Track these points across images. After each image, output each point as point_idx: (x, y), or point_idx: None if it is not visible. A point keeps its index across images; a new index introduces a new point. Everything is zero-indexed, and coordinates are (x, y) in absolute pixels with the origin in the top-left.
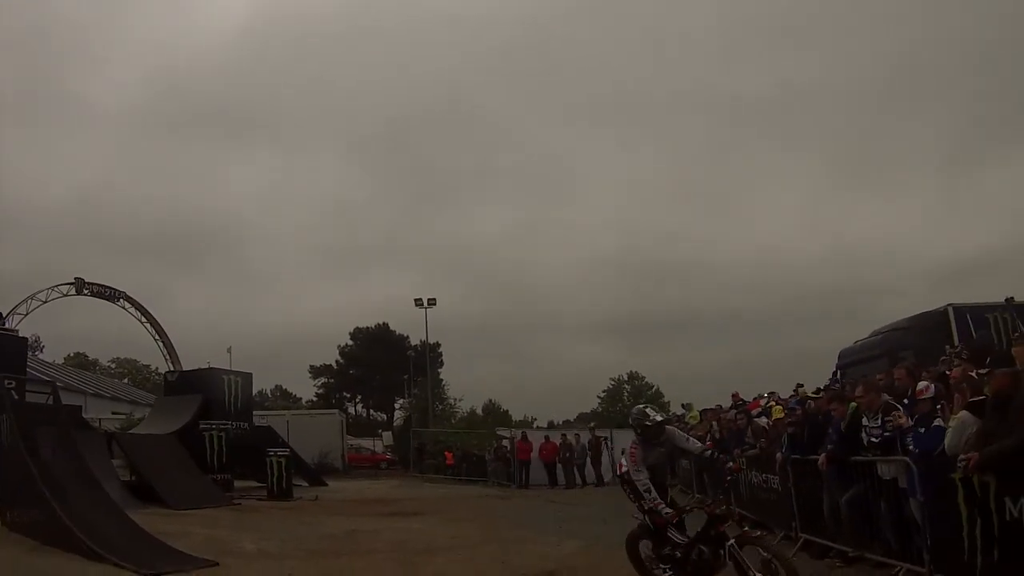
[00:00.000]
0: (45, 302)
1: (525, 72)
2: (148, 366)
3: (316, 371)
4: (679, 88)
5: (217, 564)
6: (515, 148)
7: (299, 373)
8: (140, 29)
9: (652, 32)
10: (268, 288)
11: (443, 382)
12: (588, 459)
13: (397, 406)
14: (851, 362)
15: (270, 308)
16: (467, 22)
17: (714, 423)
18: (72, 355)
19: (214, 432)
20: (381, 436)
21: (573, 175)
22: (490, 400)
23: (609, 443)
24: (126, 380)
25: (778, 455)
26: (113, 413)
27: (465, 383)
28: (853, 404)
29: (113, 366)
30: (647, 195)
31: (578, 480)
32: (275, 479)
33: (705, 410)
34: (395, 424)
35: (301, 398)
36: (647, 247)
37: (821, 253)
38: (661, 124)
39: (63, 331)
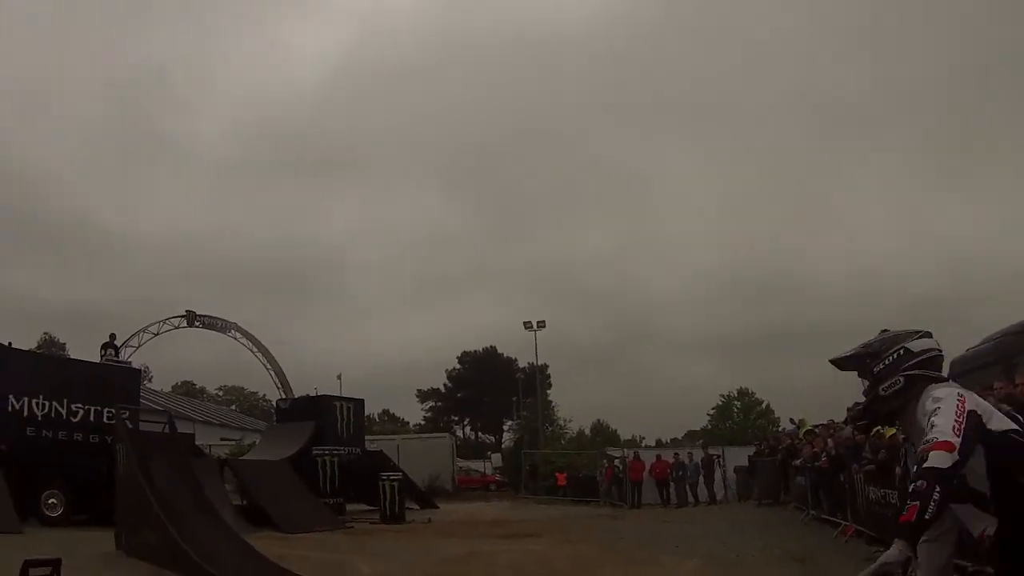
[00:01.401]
0: (157, 334)
1: (607, 89)
2: (255, 393)
3: (424, 395)
4: (764, 95)
5: None
6: (606, 168)
7: (407, 398)
8: (232, 78)
9: (732, 40)
10: (374, 317)
11: (552, 403)
12: (701, 477)
13: (505, 428)
14: (964, 371)
15: (377, 337)
16: (545, 44)
17: (829, 440)
18: (179, 383)
19: (327, 457)
20: (490, 458)
21: (666, 190)
22: (598, 420)
23: (721, 461)
24: (233, 407)
25: (897, 469)
26: (222, 440)
27: (572, 404)
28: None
29: (220, 394)
30: (741, 208)
31: (691, 498)
32: (388, 502)
33: (817, 426)
34: (504, 446)
35: (409, 422)
36: (745, 260)
37: (924, 260)
38: (749, 133)
39: (170, 360)
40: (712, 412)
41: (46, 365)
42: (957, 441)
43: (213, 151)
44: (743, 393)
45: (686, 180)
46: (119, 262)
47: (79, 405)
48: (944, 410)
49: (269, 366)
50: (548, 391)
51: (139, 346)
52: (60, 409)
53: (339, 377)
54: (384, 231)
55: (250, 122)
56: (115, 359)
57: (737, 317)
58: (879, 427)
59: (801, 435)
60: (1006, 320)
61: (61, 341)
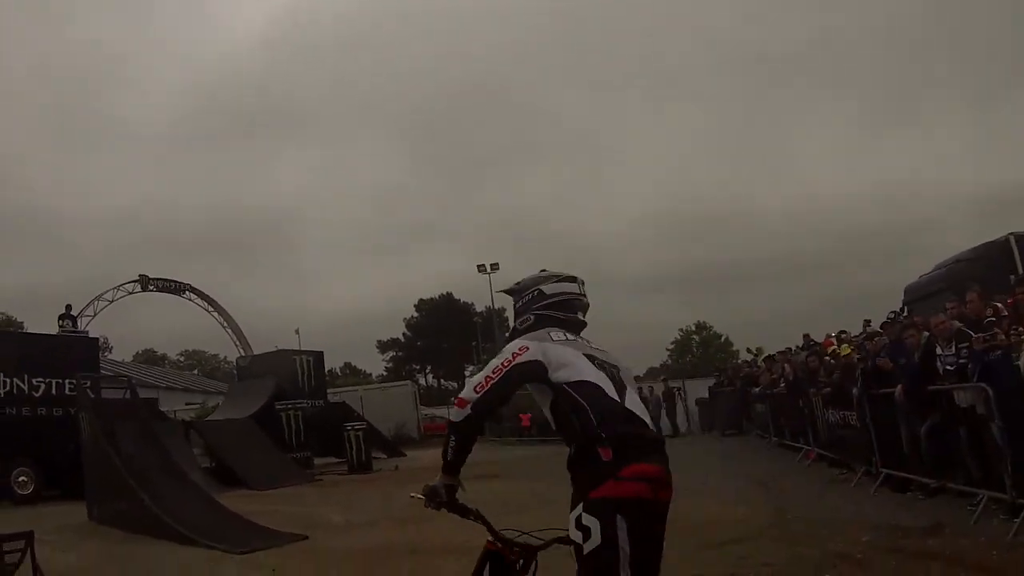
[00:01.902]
0: (112, 302)
1: (554, 45)
2: (216, 355)
3: (384, 346)
4: (705, 45)
5: (307, 537)
6: (555, 119)
7: (368, 350)
8: (168, 44)
9: None
10: (330, 273)
11: None
12: (663, 411)
13: (467, 373)
14: (917, 297)
15: (334, 292)
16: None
17: (786, 365)
18: (141, 352)
19: (291, 411)
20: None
21: (613, 140)
22: None
23: (682, 393)
24: (196, 371)
25: (854, 391)
26: (187, 404)
27: None
28: (926, 334)
29: (182, 359)
30: (687, 153)
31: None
32: (354, 453)
33: (770, 356)
34: None
35: (371, 374)
36: (692, 202)
37: (868, 193)
38: (692, 83)
39: (130, 330)
40: (671, 347)
41: (2, 342)
42: (474, 397)
43: (154, 120)
44: (701, 327)
45: (633, 130)
46: (71, 241)
47: (40, 379)
48: (490, 363)
49: (226, 324)
50: (507, 334)
51: (95, 315)
52: (21, 385)
53: (297, 332)
54: (336, 187)
55: (191, 88)
56: (72, 330)
57: (688, 256)
58: (835, 347)
59: (760, 363)
60: (942, 246)
61: (19, 321)
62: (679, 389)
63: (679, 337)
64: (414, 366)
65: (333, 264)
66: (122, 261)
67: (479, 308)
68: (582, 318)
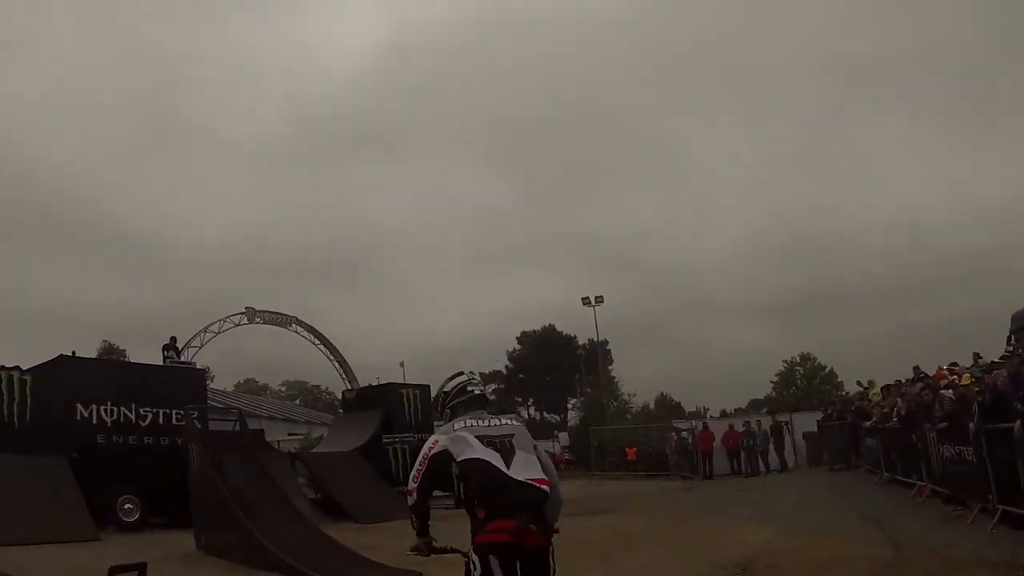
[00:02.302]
0: (219, 333)
1: (645, 60)
2: (318, 386)
3: (486, 378)
4: (797, 59)
5: (420, 574)
6: (649, 139)
7: None
8: (269, 69)
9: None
10: (430, 302)
11: (615, 379)
12: (771, 445)
13: (569, 406)
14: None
15: (433, 321)
16: (582, 17)
17: (899, 399)
18: (243, 381)
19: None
20: (557, 437)
21: (703, 158)
22: (662, 393)
23: (790, 427)
24: (297, 401)
25: (970, 426)
26: (289, 434)
27: (635, 377)
28: None
29: (283, 389)
30: (781, 170)
31: (761, 467)
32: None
33: (887, 386)
34: (569, 424)
35: None
36: (787, 222)
37: (961, 211)
38: (787, 95)
39: (232, 359)
40: (775, 379)
41: (110, 371)
42: (414, 487)
43: (256, 144)
44: (805, 358)
45: (729, 145)
46: (172, 265)
47: (147, 409)
48: (418, 457)
49: (332, 357)
50: (610, 366)
51: (201, 346)
52: (128, 414)
53: (402, 365)
54: (435, 212)
55: (293, 112)
56: (177, 360)
57: (786, 280)
58: (949, 379)
59: (871, 396)
60: None
61: (121, 348)
62: (787, 423)
63: (783, 368)
64: (516, 399)
65: (434, 292)
66: (223, 284)
67: (582, 340)
68: (477, 393)
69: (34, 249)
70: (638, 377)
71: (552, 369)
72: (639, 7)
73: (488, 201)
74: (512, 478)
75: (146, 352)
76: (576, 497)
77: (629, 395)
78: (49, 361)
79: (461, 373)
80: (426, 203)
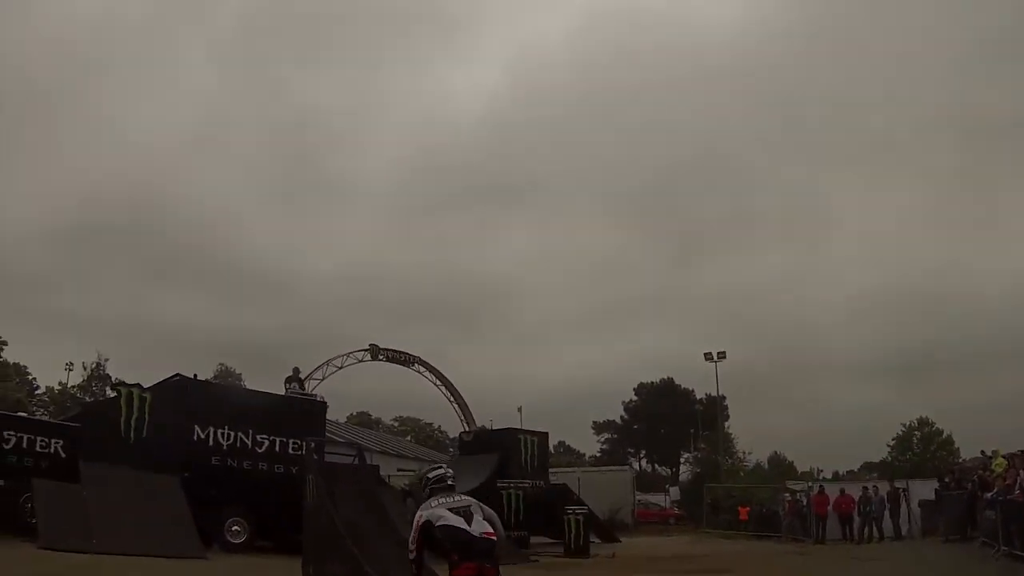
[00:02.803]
0: (341, 368)
1: (773, 115)
2: (430, 424)
3: (600, 427)
4: (923, 115)
5: None
6: (770, 193)
7: (582, 429)
8: (394, 112)
9: (885, 64)
10: (547, 346)
11: (732, 435)
12: (886, 511)
13: (682, 460)
14: None
15: (550, 366)
16: (714, 72)
17: (1022, 471)
18: (355, 414)
19: (512, 490)
20: (668, 491)
21: (829, 214)
22: (775, 452)
23: (907, 494)
24: (409, 438)
25: None
26: (399, 470)
27: (748, 434)
28: None
29: (396, 424)
30: (908, 228)
31: (875, 534)
32: (572, 536)
33: (1012, 455)
34: (681, 478)
35: (584, 454)
36: (913, 281)
37: None
38: (910, 152)
39: (346, 392)
40: (892, 443)
41: (231, 396)
42: (413, 547)
43: (379, 187)
44: (923, 423)
45: (850, 203)
46: (291, 296)
47: (264, 436)
48: (413, 526)
49: (452, 399)
50: (726, 422)
51: (323, 379)
52: (245, 439)
53: (519, 409)
54: (556, 260)
55: (415, 158)
56: (300, 392)
57: (906, 341)
58: None
59: (993, 467)
60: None
61: (237, 371)
62: (904, 489)
63: (901, 432)
64: (629, 449)
65: (553, 339)
66: (341, 319)
67: (699, 395)
68: (450, 483)
69: (172, 277)
70: (752, 434)
71: (667, 421)
72: (756, 61)
73: (610, 252)
74: (472, 535)
75: (261, 379)
76: (691, 554)
77: (744, 453)
78: (170, 381)
79: (441, 467)
80: (548, 251)
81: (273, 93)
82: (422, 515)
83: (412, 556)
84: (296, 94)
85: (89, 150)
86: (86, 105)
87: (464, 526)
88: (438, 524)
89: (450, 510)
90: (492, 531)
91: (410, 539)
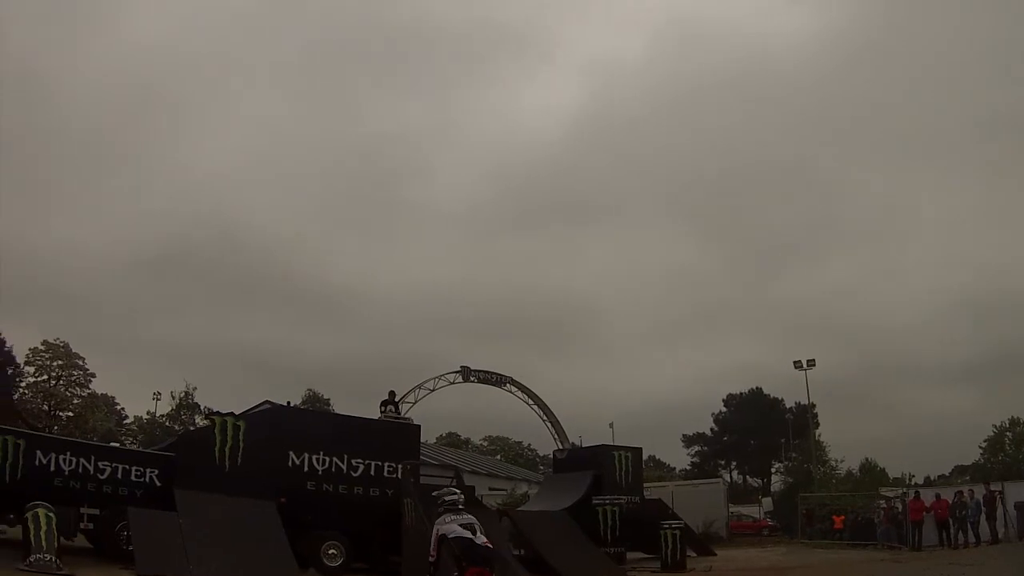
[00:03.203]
0: (433, 390)
1: (841, 118)
2: (519, 443)
3: (689, 439)
4: (1001, 113)
5: None
6: (851, 197)
7: (670, 442)
8: (466, 132)
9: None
10: (632, 360)
11: (823, 443)
12: (982, 515)
13: (773, 470)
14: None
15: (641, 381)
16: (787, 79)
17: None
18: (444, 435)
19: (607, 507)
20: (760, 502)
21: (912, 216)
22: (866, 458)
23: (1002, 496)
24: (498, 457)
25: None
26: (490, 489)
27: (838, 441)
28: None
29: (485, 444)
30: (991, 226)
31: (972, 538)
32: (669, 551)
33: None
34: (772, 489)
35: (675, 467)
36: (999, 281)
37: None
38: (983, 150)
39: (432, 412)
40: (983, 445)
41: (325, 422)
42: (431, 559)
43: (457, 209)
44: (1014, 423)
45: (922, 203)
46: (374, 320)
47: (359, 460)
48: (431, 540)
49: (544, 417)
50: (817, 430)
51: (415, 402)
52: (340, 464)
53: (611, 425)
54: (637, 273)
55: (491, 179)
56: (395, 415)
57: (993, 341)
58: None
59: None
60: None
61: (325, 396)
62: (999, 492)
63: (992, 434)
64: (719, 461)
65: (637, 351)
66: (429, 344)
67: (788, 403)
68: (460, 506)
69: (255, 305)
70: (842, 441)
71: (757, 432)
72: (829, 65)
73: (691, 263)
74: (476, 544)
75: (348, 403)
76: (787, 565)
77: (836, 461)
78: (264, 409)
79: (455, 492)
80: (628, 265)
81: (350, 119)
82: (438, 529)
83: (432, 559)
84: (371, 119)
85: (169, 185)
86: (162, 140)
87: (470, 536)
88: (451, 536)
89: (460, 525)
90: (488, 541)
91: (430, 547)
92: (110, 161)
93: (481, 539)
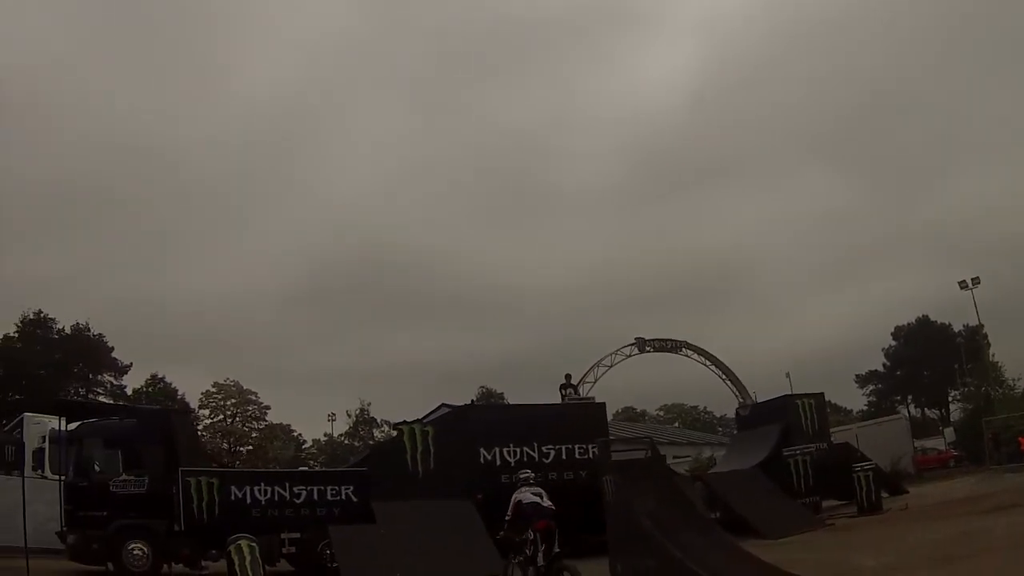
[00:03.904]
0: (611, 367)
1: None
2: (695, 407)
3: (862, 379)
4: None
5: None
6: (981, 110)
7: (843, 384)
8: (597, 112)
9: None
10: (793, 309)
11: (998, 364)
12: None
13: (950, 399)
14: None
15: (799, 328)
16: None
17: None
18: (620, 410)
19: (798, 457)
20: (943, 433)
21: None
22: None
23: None
24: (676, 424)
25: None
26: (674, 457)
27: (1016, 359)
28: None
29: (661, 414)
30: None
31: None
32: (863, 494)
33: None
34: (952, 418)
35: (851, 409)
36: None
37: None
38: None
39: (605, 389)
40: None
41: (511, 415)
42: (508, 516)
43: (595, 188)
44: None
45: None
46: (535, 310)
47: (549, 446)
48: (510, 504)
49: (725, 377)
50: (990, 351)
51: (595, 381)
52: (531, 452)
53: (787, 375)
54: (781, 222)
55: (623, 154)
56: (576, 397)
57: None
58: None
59: None
60: None
61: (498, 391)
62: None
63: None
64: (895, 398)
65: (797, 299)
66: (593, 324)
67: (956, 327)
68: (532, 481)
69: (412, 317)
70: (1020, 357)
71: (929, 361)
72: None
73: (833, 202)
74: (542, 506)
75: (523, 395)
76: (979, 494)
77: (1013, 380)
78: (451, 410)
79: (528, 471)
80: (772, 215)
81: (476, 120)
82: (516, 497)
83: (508, 518)
84: (498, 117)
85: (312, 217)
86: (297, 179)
87: (538, 500)
88: (525, 502)
89: (531, 493)
90: (550, 504)
91: (509, 510)
92: (249, 209)
93: (547, 503)
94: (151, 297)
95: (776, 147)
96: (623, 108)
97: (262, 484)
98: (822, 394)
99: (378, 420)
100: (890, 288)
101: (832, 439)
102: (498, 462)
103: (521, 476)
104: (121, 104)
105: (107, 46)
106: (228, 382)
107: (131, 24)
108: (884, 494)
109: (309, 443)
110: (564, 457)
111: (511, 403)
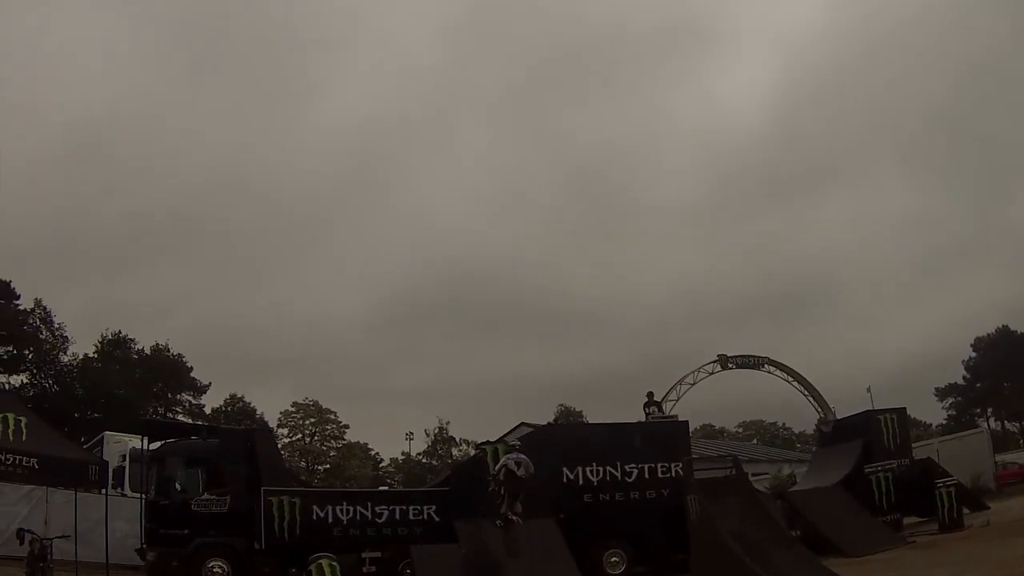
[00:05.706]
0: (694, 384)
1: None
2: (774, 423)
3: (942, 392)
4: None
5: None
6: None
7: (921, 397)
8: (681, 128)
9: None
10: (877, 321)
11: None
12: None
13: None
14: None
15: (883, 340)
16: None
17: None
18: (698, 428)
19: (880, 473)
20: None
21: None
22: None
23: None
24: (755, 440)
25: None
26: (753, 475)
27: None
28: None
29: (740, 430)
30: None
31: None
32: (945, 510)
33: None
34: None
35: (931, 424)
36: None
37: None
38: None
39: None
40: None
41: (594, 434)
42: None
43: (683, 204)
44: None
45: None
46: (624, 326)
47: (632, 465)
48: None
49: (807, 392)
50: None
51: (678, 399)
52: (614, 471)
53: (868, 390)
54: (865, 231)
55: (709, 169)
56: (659, 415)
57: None
58: None
59: None
60: None
61: (578, 410)
62: None
63: None
64: (974, 410)
65: (879, 309)
66: (678, 340)
67: None
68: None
69: (497, 336)
70: None
71: (1010, 373)
72: None
73: (914, 209)
74: (516, 474)
75: (603, 413)
76: None
77: None
78: (533, 430)
79: (516, 441)
80: (855, 225)
81: (564, 141)
82: (503, 461)
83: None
84: (585, 137)
85: (399, 234)
86: (385, 202)
87: (515, 470)
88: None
89: (514, 462)
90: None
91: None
92: (339, 233)
93: (521, 471)
94: (235, 322)
95: (856, 155)
96: (707, 123)
97: (344, 503)
98: (904, 409)
99: (456, 439)
100: (972, 296)
101: (913, 455)
102: (580, 481)
103: (510, 444)
104: (212, 138)
105: (196, 83)
106: (307, 401)
107: (220, 59)
108: (965, 510)
109: (387, 462)
110: (647, 476)
111: (593, 423)
